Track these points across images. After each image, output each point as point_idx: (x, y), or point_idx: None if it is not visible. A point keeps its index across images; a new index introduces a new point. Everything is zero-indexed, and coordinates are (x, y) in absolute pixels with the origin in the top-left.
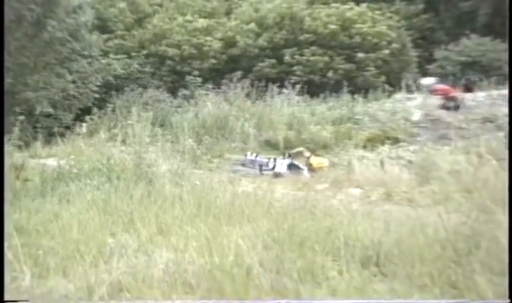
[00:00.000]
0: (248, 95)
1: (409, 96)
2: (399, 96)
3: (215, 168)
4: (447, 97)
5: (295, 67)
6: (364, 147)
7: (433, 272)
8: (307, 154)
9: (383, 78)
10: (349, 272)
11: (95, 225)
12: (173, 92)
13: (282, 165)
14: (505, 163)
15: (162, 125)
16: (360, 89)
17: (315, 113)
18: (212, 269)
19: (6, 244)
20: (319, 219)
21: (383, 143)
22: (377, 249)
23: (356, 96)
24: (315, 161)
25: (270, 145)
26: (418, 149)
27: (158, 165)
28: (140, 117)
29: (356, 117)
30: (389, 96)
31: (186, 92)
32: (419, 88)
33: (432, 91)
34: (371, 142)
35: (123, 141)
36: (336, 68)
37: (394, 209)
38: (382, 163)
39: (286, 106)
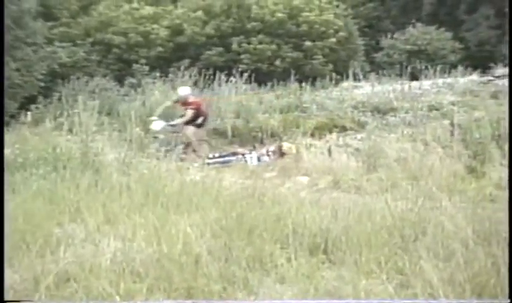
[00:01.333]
0: (195, 83)
1: (356, 84)
2: (346, 84)
3: (163, 157)
4: (199, 111)
5: (242, 56)
6: (312, 135)
7: (380, 258)
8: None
9: (330, 67)
10: (298, 259)
11: (41, 214)
12: (120, 80)
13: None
14: (451, 151)
15: (109, 114)
16: (308, 77)
17: (263, 102)
18: (160, 257)
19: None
20: (267, 207)
21: (331, 131)
22: (325, 236)
23: (303, 84)
24: (285, 145)
25: (218, 133)
26: (365, 137)
27: (105, 153)
28: (86, 105)
29: (304, 105)
30: (336, 84)
31: (133, 80)
32: (366, 76)
33: (184, 104)
34: (319, 130)
35: (69, 130)
36: (284, 56)
37: (341, 197)
38: (329, 151)
39: (233, 94)
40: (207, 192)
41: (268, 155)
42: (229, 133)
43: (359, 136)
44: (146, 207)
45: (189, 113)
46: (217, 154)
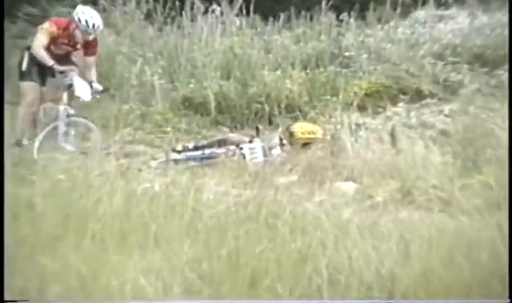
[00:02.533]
0: (148, 15)
1: (441, 13)
2: (422, 14)
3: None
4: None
5: None
6: (361, 108)
7: None
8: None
9: None
10: None
11: None
12: (11, 13)
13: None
14: None
15: None
16: (352, 3)
17: (272, 48)
18: None
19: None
20: (283, 239)
21: (394, 101)
22: (387, 287)
23: (344, 16)
24: (299, 128)
25: (193, 106)
26: (459, 110)
27: None
28: None
29: (346, 53)
30: (405, 14)
31: (34, 11)
32: None
33: (81, 44)
34: (374, 100)
35: None
36: None
37: (416, 218)
38: (393, 135)
39: (218, 35)
40: (175, 212)
41: (282, 144)
42: (212, 105)
43: (446, 109)
44: (65, 240)
45: (93, 61)
46: (191, 145)
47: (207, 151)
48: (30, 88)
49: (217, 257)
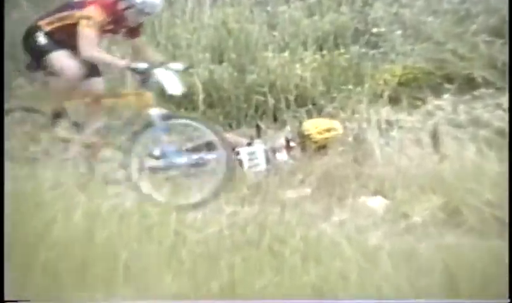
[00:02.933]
0: None
1: None
2: None
3: (47, 152)
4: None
5: None
6: (393, 100)
7: None
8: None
9: None
10: None
11: None
12: None
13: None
14: None
15: None
16: None
17: (277, 23)
18: None
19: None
20: (293, 270)
21: (437, 91)
22: None
23: None
24: (313, 126)
25: (175, 98)
26: None
27: None
28: None
29: (375, 29)
30: None
31: None
32: None
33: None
34: (410, 90)
35: None
36: None
37: (465, 245)
38: (435, 136)
39: (207, 6)
40: (152, 236)
41: (289, 148)
42: (200, 97)
43: (505, 102)
44: (7, 275)
45: (140, 42)
46: (172, 148)
47: (194, 157)
48: (62, 56)
49: (206, 292)
